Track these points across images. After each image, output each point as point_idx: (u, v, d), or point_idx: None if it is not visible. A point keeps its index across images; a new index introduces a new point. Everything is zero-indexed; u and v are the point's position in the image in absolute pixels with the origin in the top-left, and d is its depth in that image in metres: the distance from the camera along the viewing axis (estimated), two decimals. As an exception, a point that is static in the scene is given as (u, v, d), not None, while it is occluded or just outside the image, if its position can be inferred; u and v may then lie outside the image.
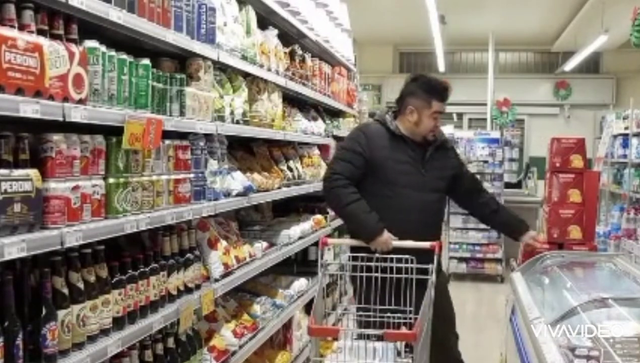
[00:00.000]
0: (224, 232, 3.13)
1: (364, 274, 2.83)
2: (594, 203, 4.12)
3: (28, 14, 1.73)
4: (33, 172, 1.71)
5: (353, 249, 3.10)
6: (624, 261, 3.68)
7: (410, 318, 2.76)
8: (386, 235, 3.03)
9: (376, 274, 2.82)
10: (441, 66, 12.93)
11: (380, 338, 2.45)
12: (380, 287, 2.81)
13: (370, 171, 3.14)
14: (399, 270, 2.80)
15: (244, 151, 3.71)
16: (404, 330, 2.69)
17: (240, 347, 3.02)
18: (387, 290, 2.80)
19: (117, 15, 2.03)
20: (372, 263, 2.83)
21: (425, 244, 2.87)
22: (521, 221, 3.49)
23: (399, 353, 2.52)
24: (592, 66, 13.81)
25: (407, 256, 2.79)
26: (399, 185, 3.13)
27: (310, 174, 4.36)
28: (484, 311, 7.35)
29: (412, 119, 3.19)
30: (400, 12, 10.76)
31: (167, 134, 2.38)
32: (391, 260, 2.80)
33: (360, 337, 2.58)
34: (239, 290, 3.42)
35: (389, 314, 2.82)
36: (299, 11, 4.03)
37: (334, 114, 5.62)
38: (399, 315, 2.80)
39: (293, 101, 4.45)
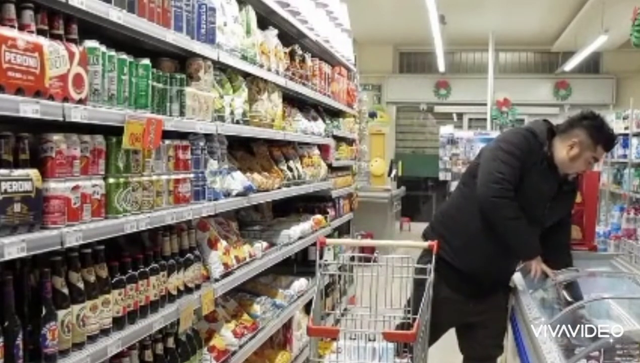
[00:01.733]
0: (224, 232, 3.13)
1: (364, 274, 2.83)
2: (594, 203, 4.12)
3: (28, 14, 1.73)
4: (33, 172, 1.71)
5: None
6: (624, 261, 3.68)
7: (408, 318, 2.76)
8: (539, 259, 3.02)
9: (374, 274, 2.81)
10: (441, 66, 12.93)
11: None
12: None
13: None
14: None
15: (244, 151, 3.71)
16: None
17: (240, 347, 3.02)
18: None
19: (117, 15, 2.03)
20: (372, 264, 2.83)
21: (424, 244, 2.87)
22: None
23: (397, 354, 2.53)
24: (592, 66, 13.81)
25: (404, 256, 2.79)
26: (522, 211, 2.92)
27: (310, 174, 4.36)
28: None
29: (571, 152, 2.95)
30: (400, 12, 10.76)
31: (167, 134, 2.38)
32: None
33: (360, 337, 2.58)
34: (239, 290, 3.42)
35: (389, 315, 2.81)
36: (299, 11, 4.03)
37: (334, 114, 5.62)
38: (398, 315, 2.80)
39: (293, 101, 4.45)
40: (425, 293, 2.64)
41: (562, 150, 2.98)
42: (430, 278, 2.70)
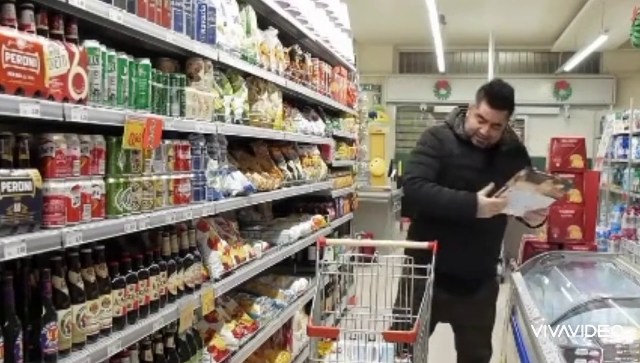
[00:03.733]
0: (224, 232, 3.13)
1: (364, 274, 2.83)
2: (594, 203, 4.12)
3: (28, 14, 1.73)
4: (33, 172, 1.71)
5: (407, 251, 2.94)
6: (624, 261, 3.68)
7: (408, 319, 2.74)
8: (485, 199, 2.88)
9: (375, 274, 2.82)
10: (441, 66, 12.93)
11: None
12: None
13: (441, 176, 3.02)
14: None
15: (244, 151, 3.71)
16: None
17: (240, 347, 3.02)
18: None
19: (117, 15, 2.03)
20: (372, 264, 2.83)
21: (423, 244, 2.87)
22: None
23: (398, 354, 2.52)
24: (592, 66, 13.80)
25: (406, 256, 2.79)
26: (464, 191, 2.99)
27: (310, 174, 4.36)
28: (484, 311, 7.32)
29: (467, 114, 3.07)
30: (400, 12, 10.75)
31: (167, 134, 2.38)
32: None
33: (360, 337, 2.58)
34: (239, 290, 3.42)
35: (389, 315, 2.81)
36: (299, 11, 4.03)
37: (334, 114, 5.62)
38: (397, 315, 2.79)
39: (293, 101, 4.45)
40: (425, 293, 2.64)
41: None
42: (431, 278, 2.70)
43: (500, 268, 8.61)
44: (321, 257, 2.88)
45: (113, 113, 2.03)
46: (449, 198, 2.95)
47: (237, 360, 2.98)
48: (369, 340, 2.51)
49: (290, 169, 4.03)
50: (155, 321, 2.28)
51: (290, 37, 4.18)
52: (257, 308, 3.34)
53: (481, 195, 2.91)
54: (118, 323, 2.10)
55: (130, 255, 2.22)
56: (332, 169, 5.19)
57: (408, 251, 2.85)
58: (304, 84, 4.20)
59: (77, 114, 1.82)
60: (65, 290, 1.85)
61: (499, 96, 2.95)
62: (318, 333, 2.46)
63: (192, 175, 2.59)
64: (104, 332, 2.02)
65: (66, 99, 1.80)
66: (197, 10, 2.63)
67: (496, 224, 3.08)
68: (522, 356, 2.69)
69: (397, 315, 2.80)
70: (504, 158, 3.06)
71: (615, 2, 8.42)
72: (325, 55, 5.04)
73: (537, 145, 12.94)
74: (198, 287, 2.66)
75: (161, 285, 2.37)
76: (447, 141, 3.05)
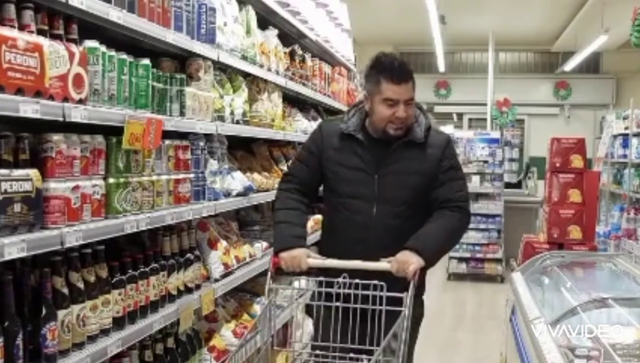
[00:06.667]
0: (224, 232, 3.13)
1: (322, 303, 2.38)
2: (594, 203, 4.13)
3: (28, 14, 1.73)
4: (33, 172, 1.71)
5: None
6: (624, 261, 3.68)
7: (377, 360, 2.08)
8: (297, 252, 2.47)
9: (337, 304, 2.29)
10: (441, 66, 12.94)
11: None
12: (342, 321, 2.31)
13: (323, 176, 2.61)
14: (365, 300, 2.25)
15: (244, 151, 3.72)
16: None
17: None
18: (351, 324, 2.30)
19: (117, 15, 2.03)
20: (335, 289, 2.29)
21: (387, 266, 2.33)
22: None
23: None
24: (592, 66, 13.80)
25: (376, 282, 2.23)
26: (346, 195, 2.53)
27: (310, 174, 4.35)
28: (484, 311, 7.35)
29: (367, 108, 2.52)
30: (400, 12, 10.75)
31: (167, 134, 2.38)
32: (356, 286, 2.24)
33: None
34: (239, 290, 3.42)
35: (351, 355, 2.32)
36: (299, 11, 4.03)
37: (334, 114, 5.61)
38: (364, 356, 2.28)
39: (293, 101, 4.45)
40: (399, 328, 2.15)
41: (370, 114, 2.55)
42: (406, 310, 2.15)
43: (500, 268, 8.66)
44: (272, 280, 2.39)
45: (113, 113, 2.03)
46: (276, 220, 2.63)
47: (237, 360, 2.97)
48: None
49: (290, 169, 4.03)
50: (155, 321, 2.28)
51: (290, 37, 4.18)
52: (257, 308, 3.34)
53: (300, 250, 2.50)
54: (118, 323, 2.11)
55: (130, 255, 2.22)
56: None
57: (379, 275, 2.28)
58: (304, 84, 4.20)
59: (77, 114, 1.82)
60: (65, 290, 1.86)
61: (399, 70, 2.45)
62: None
63: (192, 175, 2.59)
64: (104, 332, 2.02)
65: (66, 99, 1.80)
66: (197, 10, 2.63)
67: (398, 220, 2.50)
68: (522, 356, 2.69)
69: (363, 355, 2.28)
70: (404, 152, 2.52)
71: (615, 2, 8.42)
72: (325, 55, 5.04)
73: (537, 145, 12.99)
74: (198, 287, 2.66)
75: (161, 285, 2.37)
76: (330, 135, 2.58)
